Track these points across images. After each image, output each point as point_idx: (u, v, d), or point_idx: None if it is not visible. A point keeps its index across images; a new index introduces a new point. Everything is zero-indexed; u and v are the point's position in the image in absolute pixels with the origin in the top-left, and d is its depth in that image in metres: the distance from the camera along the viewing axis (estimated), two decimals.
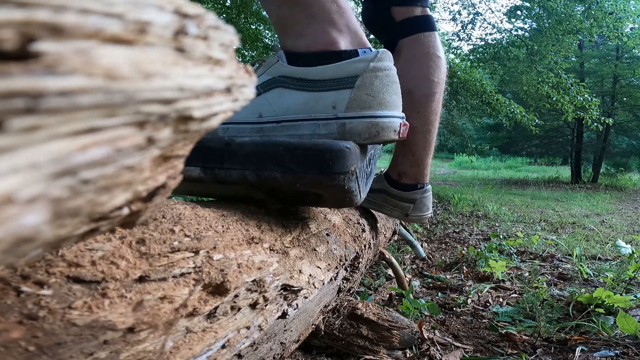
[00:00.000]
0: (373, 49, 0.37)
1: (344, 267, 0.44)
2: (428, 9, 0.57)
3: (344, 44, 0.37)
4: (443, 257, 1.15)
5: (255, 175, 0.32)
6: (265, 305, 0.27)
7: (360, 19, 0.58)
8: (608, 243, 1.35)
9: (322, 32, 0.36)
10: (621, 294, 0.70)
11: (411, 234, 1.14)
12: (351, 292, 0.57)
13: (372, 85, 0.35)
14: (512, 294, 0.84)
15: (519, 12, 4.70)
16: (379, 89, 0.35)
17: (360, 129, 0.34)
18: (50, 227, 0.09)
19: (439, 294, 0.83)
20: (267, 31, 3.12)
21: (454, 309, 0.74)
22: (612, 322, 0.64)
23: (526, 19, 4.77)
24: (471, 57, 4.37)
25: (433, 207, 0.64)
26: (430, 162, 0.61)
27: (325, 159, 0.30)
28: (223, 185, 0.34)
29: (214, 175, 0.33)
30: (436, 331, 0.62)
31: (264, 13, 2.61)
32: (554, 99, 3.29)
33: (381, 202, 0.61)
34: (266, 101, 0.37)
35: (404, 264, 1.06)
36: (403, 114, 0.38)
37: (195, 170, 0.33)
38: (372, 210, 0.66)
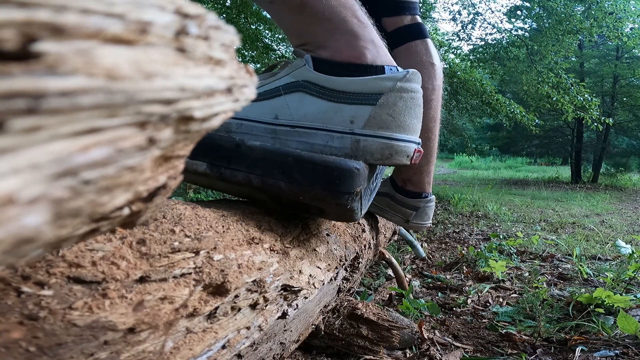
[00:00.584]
0: (400, 69, 0.36)
1: (344, 267, 0.44)
2: (418, 17, 0.57)
3: (370, 58, 0.35)
4: (443, 257, 1.15)
5: (261, 180, 0.31)
6: (266, 306, 0.27)
7: None
8: (608, 243, 1.35)
9: (346, 44, 0.35)
10: (621, 294, 0.70)
11: (411, 234, 1.14)
12: (351, 292, 0.57)
13: (395, 106, 0.33)
14: (512, 294, 0.84)
15: (519, 12, 4.71)
16: (401, 111, 0.34)
17: (374, 148, 0.33)
18: (51, 227, 0.09)
19: (439, 294, 0.83)
20: (267, 31, 3.12)
21: (454, 309, 0.74)
22: (612, 322, 0.64)
23: (526, 19, 4.77)
24: (471, 57, 4.36)
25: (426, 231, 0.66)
26: (433, 170, 0.61)
27: (333, 177, 0.30)
28: (227, 183, 0.34)
29: (219, 173, 0.33)
30: (436, 331, 0.62)
31: (264, 13, 2.61)
32: (554, 98, 3.29)
33: (384, 206, 0.61)
34: (285, 103, 0.36)
35: (404, 264, 1.06)
36: (419, 140, 0.36)
37: (202, 165, 0.33)
38: (371, 212, 0.66)
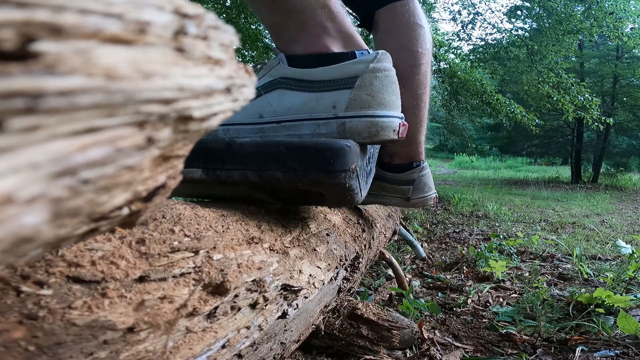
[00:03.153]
0: (371, 51, 0.38)
1: (344, 267, 0.44)
2: None
3: (336, 47, 0.37)
4: (443, 257, 1.15)
5: (257, 175, 0.32)
6: (265, 305, 0.27)
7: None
8: (608, 243, 1.34)
9: (314, 38, 0.37)
10: (621, 294, 0.70)
11: (411, 234, 1.14)
12: (351, 292, 0.57)
13: (372, 86, 0.35)
14: (512, 294, 0.84)
15: (519, 12, 4.70)
16: (379, 89, 0.35)
17: (360, 128, 0.35)
18: (50, 227, 0.09)
19: (439, 294, 0.83)
20: (267, 31, 3.11)
21: (454, 309, 0.74)
22: (613, 322, 0.64)
23: (526, 19, 4.77)
24: (471, 57, 4.36)
25: (433, 206, 0.60)
26: (424, 139, 0.56)
27: (326, 157, 0.30)
28: (225, 186, 0.34)
29: (215, 176, 0.33)
30: (436, 331, 0.62)
31: None
32: (555, 98, 3.29)
33: (378, 192, 0.55)
34: (267, 102, 0.37)
35: (404, 264, 1.06)
36: (402, 115, 0.38)
37: (197, 171, 0.33)
38: (372, 209, 0.66)
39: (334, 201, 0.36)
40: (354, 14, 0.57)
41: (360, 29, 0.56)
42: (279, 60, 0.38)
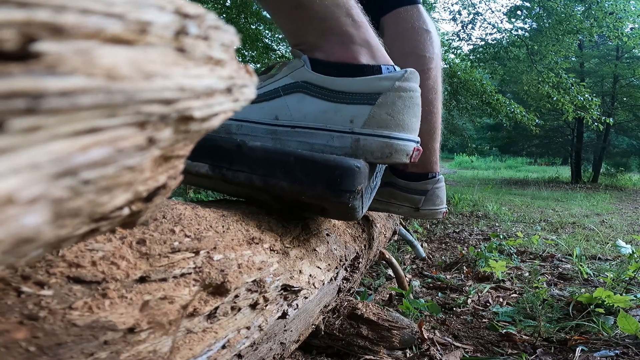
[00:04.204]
0: (398, 68, 0.36)
1: (344, 267, 0.44)
2: None
3: (364, 58, 0.35)
4: (443, 257, 1.15)
5: (263, 181, 0.31)
6: (266, 306, 0.27)
7: None
8: (608, 243, 1.34)
9: (339, 45, 0.35)
10: (621, 294, 0.70)
11: (411, 234, 1.14)
12: (351, 292, 0.57)
13: (394, 105, 0.34)
14: (512, 293, 0.84)
15: (519, 12, 4.70)
16: (400, 110, 0.34)
17: (374, 147, 0.33)
18: (50, 227, 0.09)
19: (439, 294, 0.83)
20: (267, 31, 3.12)
21: (454, 309, 0.74)
22: (612, 322, 0.64)
23: (526, 19, 4.77)
24: (471, 57, 4.36)
25: (442, 220, 0.57)
26: (439, 148, 0.53)
27: (335, 175, 0.30)
28: (229, 184, 0.34)
29: (221, 175, 0.33)
30: (436, 331, 0.62)
31: (265, 13, 2.60)
32: (555, 98, 3.29)
33: (387, 199, 0.54)
34: (285, 104, 0.36)
35: (404, 264, 1.06)
36: (419, 139, 0.36)
37: (203, 166, 0.33)
38: (374, 210, 0.66)
39: (334, 216, 0.36)
40: None
41: None
42: (304, 63, 0.36)
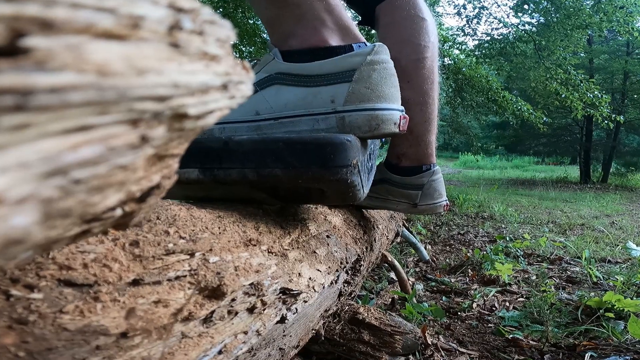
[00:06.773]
0: (369, 44, 0.37)
1: (344, 270, 0.43)
2: None
3: (334, 40, 0.37)
4: (447, 260, 1.14)
5: (256, 173, 0.31)
6: (264, 310, 0.26)
7: None
8: (618, 245, 1.32)
9: (311, 31, 0.37)
10: (632, 298, 0.68)
11: (414, 236, 1.13)
12: (352, 296, 0.56)
13: (370, 78, 0.35)
14: (519, 297, 0.82)
15: (526, 6, 4.62)
16: (377, 82, 0.35)
17: (360, 121, 0.34)
18: (40, 228, 0.09)
19: (443, 297, 0.82)
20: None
21: (459, 313, 0.73)
22: (623, 327, 0.62)
23: (534, 13, 4.69)
24: (477, 53, 4.30)
25: (443, 214, 0.56)
26: (435, 140, 0.52)
27: (327, 152, 0.30)
28: (223, 185, 0.33)
29: (213, 176, 0.32)
30: (440, 336, 0.61)
31: None
32: (563, 95, 3.23)
33: (384, 195, 0.53)
34: (263, 98, 0.37)
35: (407, 267, 1.05)
36: (402, 107, 0.37)
37: (193, 171, 0.33)
38: (374, 210, 0.65)
39: (336, 198, 0.35)
40: (355, 11, 0.56)
41: (360, 27, 0.55)
42: (274, 56, 0.37)
